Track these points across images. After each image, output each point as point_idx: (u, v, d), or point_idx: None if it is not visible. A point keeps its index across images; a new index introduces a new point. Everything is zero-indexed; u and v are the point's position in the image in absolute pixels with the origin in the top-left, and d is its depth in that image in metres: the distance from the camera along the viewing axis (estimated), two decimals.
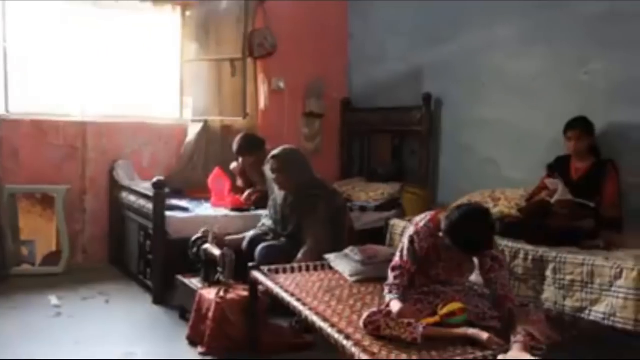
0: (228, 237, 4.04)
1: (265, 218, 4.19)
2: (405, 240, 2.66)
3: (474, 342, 2.33)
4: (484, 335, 2.32)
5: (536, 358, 2.14)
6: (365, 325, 2.40)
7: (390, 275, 2.65)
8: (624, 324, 2.92)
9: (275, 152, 3.91)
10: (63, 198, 4.96)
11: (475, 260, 2.60)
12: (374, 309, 2.47)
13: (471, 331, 2.37)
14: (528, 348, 2.22)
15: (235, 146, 4.73)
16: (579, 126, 3.89)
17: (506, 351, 2.21)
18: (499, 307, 2.50)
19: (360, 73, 6.07)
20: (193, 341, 3.51)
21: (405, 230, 2.73)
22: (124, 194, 4.91)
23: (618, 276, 3.00)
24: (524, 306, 2.49)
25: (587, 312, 3.12)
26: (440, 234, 2.51)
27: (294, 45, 5.76)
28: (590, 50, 4.12)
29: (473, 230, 2.43)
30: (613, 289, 3.01)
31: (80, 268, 5.01)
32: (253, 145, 4.68)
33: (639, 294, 2.91)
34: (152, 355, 3.40)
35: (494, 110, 4.77)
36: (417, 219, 2.70)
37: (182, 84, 5.57)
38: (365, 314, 2.44)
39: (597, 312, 3.07)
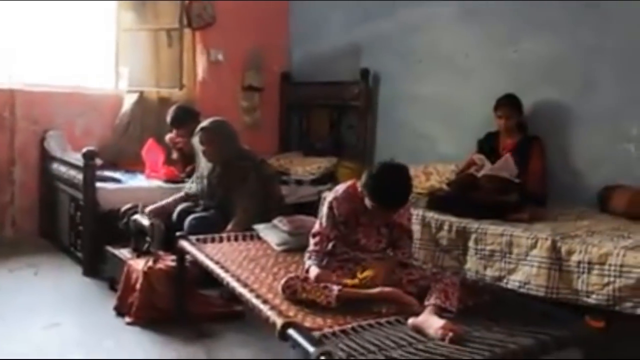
0: (149, 207, 3.94)
1: (191, 185, 4.19)
2: (325, 207, 2.74)
3: (390, 303, 2.43)
4: (403, 295, 2.43)
5: (444, 320, 2.24)
6: (283, 290, 2.47)
7: (311, 242, 2.73)
8: (536, 291, 3.08)
9: (203, 124, 3.94)
10: None
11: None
12: (292, 274, 2.54)
13: (388, 289, 2.46)
14: (438, 311, 2.32)
15: (168, 117, 4.72)
16: (508, 104, 4.03)
17: (417, 314, 2.31)
18: None
19: (301, 47, 6.09)
20: (120, 312, 3.52)
21: (326, 199, 2.81)
22: (55, 165, 4.84)
23: (533, 246, 3.15)
24: (435, 274, 2.60)
25: (505, 281, 3.26)
26: (362, 195, 2.60)
27: (234, 17, 5.73)
28: (520, 29, 4.26)
29: (391, 182, 2.53)
30: (528, 258, 3.16)
31: (9, 241, 4.93)
32: (187, 117, 4.67)
33: (550, 262, 3.06)
34: (78, 325, 3.40)
35: (429, 86, 4.88)
36: (337, 187, 2.80)
37: (117, 54, 5.47)
38: (282, 280, 2.51)
39: (514, 281, 3.22)
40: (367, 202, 2.59)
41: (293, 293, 2.45)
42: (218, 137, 3.86)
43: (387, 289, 2.48)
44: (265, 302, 2.38)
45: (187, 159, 4.73)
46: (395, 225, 2.74)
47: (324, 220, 2.73)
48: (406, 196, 2.60)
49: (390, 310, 2.40)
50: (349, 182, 2.78)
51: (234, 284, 2.62)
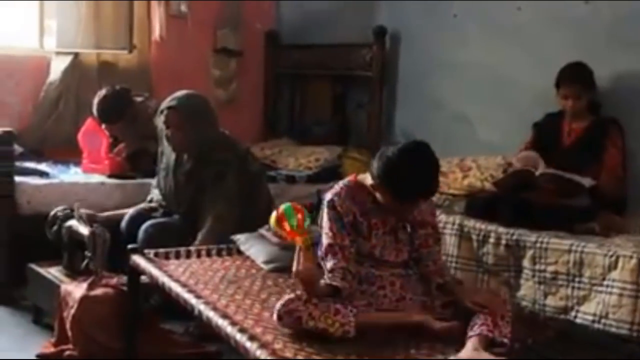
0: (104, 214, 4.06)
1: (155, 189, 4.23)
2: (325, 213, 2.72)
3: (418, 331, 2.47)
4: (435, 324, 2.47)
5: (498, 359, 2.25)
6: (281, 316, 2.47)
7: (327, 265, 2.66)
8: (617, 328, 3.10)
9: (173, 100, 3.91)
10: None
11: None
12: (291, 295, 2.54)
13: (417, 317, 2.51)
14: (487, 343, 2.35)
15: (95, 111, 4.67)
16: (576, 78, 3.98)
17: (457, 350, 2.33)
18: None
19: None
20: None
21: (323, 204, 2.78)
22: None
23: (613, 266, 3.17)
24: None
25: (573, 313, 3.29)
26: (370, 190, 2.63)
27: None
28: None
29: (414, 163, 2.51)
30: (606, 282, 3.18)
31: None
32: (115, 110, 4.62)
33: (637, 289, 3.08)
34: None
35: (467, 51, 4.90)
36: (334, 185, 2.81)
37: (42, 2, 5.44)
38: (279, 302, 2.51)
39: (585, 313, 3.24)
40: (379, 195, 2.60)
41: (296, 321, 2.45)
42: (191, 118, 3.84)
43: (416, 315, 2.54)
44: (252, 338, 2.37)
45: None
46: (416, 224, 2.74)
47: (330, 227, 2.72)
48: (436, 183, 2.61)
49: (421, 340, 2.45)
50: (348, 177, 2.82)
51: (208, 313, 2.61)
